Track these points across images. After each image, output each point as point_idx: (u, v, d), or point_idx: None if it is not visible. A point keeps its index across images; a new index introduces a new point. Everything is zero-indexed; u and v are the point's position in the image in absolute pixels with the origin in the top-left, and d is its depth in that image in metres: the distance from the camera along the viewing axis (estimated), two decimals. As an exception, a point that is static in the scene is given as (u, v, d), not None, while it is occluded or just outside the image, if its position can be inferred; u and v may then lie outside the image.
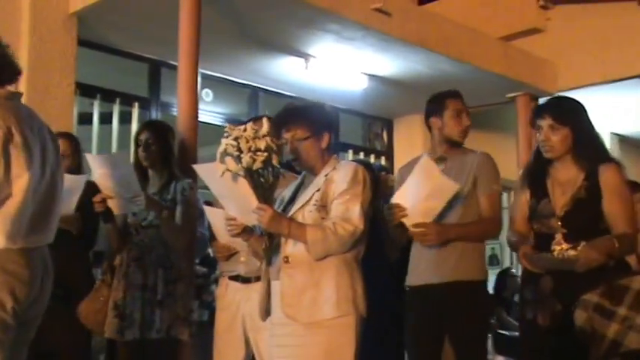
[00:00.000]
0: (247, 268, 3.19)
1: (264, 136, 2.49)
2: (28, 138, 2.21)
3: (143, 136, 3.46)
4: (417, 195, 2.90)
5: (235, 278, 3.23)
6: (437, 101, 3.17)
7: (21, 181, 2.19)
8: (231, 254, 3.24)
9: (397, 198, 2.96)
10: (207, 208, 3.17)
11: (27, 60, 4.43)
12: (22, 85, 4.38)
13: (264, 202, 2.51)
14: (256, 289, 3.11)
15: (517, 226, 2.93)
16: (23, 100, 4.25)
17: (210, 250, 3.82)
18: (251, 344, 3.18)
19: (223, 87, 5.94)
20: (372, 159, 7.02)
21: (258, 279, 3.12)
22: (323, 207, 2.60)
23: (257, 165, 2.46)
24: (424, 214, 2.90)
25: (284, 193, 2.78)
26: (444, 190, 2.88)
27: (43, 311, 2.40)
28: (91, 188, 3.46)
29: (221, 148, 2.53)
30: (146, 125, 3.63)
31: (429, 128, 3.20)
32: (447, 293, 2.99)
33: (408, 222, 2.90)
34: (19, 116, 2.22)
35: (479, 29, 6.15)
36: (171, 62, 5.07)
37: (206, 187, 2.80)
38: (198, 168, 2.81)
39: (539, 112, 2.87)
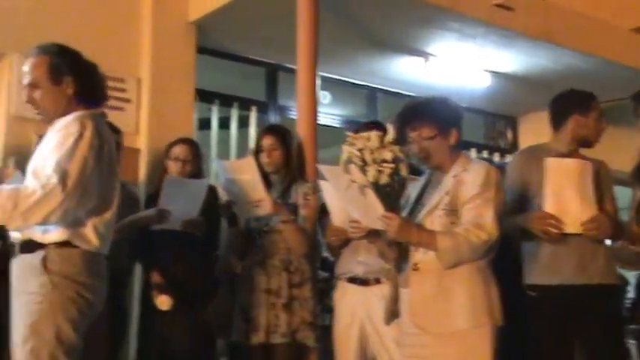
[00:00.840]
0: (366, 268, 3.09)
1: (389, 144, 2.39)
2: (112, 151, 2.44)
3: (266, 142, 3.43)
4: (567, 196, 2.76)
5: (353, 280, 3.15)
6: (583, 100, 3.05)
7: (115, 189, 2.42)
8: (344, 243, 3.14)
9: (549, 208, 2.79)
10: (323, 184, 2.97)
11: (149, 69, 4.57)
12: (144, 93, 4.52)
13: (390, 210, 2.40)
14: (375, 292, 3.05)
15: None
16: (146, 107, 4.48)
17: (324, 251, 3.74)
18: (370, 348, 3.08)
19: (341, 89, 5.90)
20: (497, 157, 6.79)
21: (377, 281, 3.06)
22: (453, 211, 2.48)
23: (383, 179, 2.38)
24: (582, 211, 2.76)
25: (409, 191, 2.67)
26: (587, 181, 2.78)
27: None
28: (213, 192, 3.49)
29: (344, 157, 2.47)
30: (268, 130, 3.60)
31: (558, 123, 3.04)
32: (589, 295, 2.82)
33: (570, 228, 2.76)
34: (108, 133, 2.47)
35: (609, 21, 5.80)
36: (289, 66, 5.07)
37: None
38: (323, 169, 2.75)
39: None
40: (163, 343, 3.45)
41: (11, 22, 3.94)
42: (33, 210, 2.21)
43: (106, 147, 2.36)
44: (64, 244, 2.30)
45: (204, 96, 5.10)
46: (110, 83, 4.36)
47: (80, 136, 2.29)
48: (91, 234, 2.33)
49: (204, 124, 5.27)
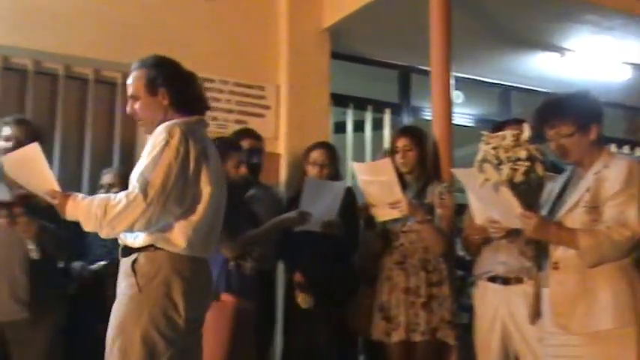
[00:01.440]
0: (507, 268, 3.08)
1: (524, 143, 2.38)
2: (210, 158, 2.43)
3: (400, 143, 3.49)
4: None
5: (494, 279, 3.14)
6: None
7: (205, 193, 2.38)
8: (483, 242, 3.14)
9: None
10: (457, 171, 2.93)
11: (286, 76, 4.74)
12: (282, 100, 4.70)
13: (528, 209, 2.39)
14: (516, 291, 3.04)
15: None
16: (284, 113, 4.66)
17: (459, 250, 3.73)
18: (512, 347, 3.07)
19: (473, 88, 5.84)
20: (638, 153, 6.46)
21: (518, 280, 3.05)
22: (594, 208, 2.42)
23: (518, 177, 2.37)
24: None
25: (550, 188, 2.62)
26: None
27: (202, 321, 2.50)
28: (351, 194, 3.59)
29: (479, 156, 2.48)
30: (403, 131, 3.66)
31: None
32: None
33: None
34: (205, 139, 2.48)
35: None
36: (421, 67, 5.10)
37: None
38: (458, 172, 2.77)
39: None
40: (306, 340, 3.58)
41: (159, 39, 4.22)
42: (118, 219, 2.26)
43: (193, 153, 2.35)
44: (150, 247, 2.34)
45: (339, 100, 5.22)
46: (251, 91, 4.66)
47: (166, 144, 2.31)
48: (177, 237, 2.33)
49: (340, 128, 5.39)
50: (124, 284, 2.35)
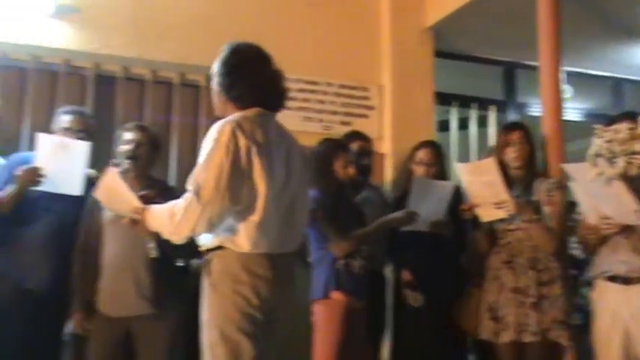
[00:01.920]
0: (628, 267, 2.96)
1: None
2: (273, 152, 2.37)
3: (515, 136, 3.44)
4: None
5: (613, 279, 3.02)
6: None
7: (261, 189, 2.33)
8: (601, 241, 3.05)
9: None
10: (573, 184, 2.87)
11: (390, 76, 4.76)
12: (386, 100, 4.73)
13: (644, 204, 2.32)
14: (637, 292, 2.92)
15: None
16: (388, 113, 4.68)
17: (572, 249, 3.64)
18: (633, 349, 2.96)
19: (583, 81, 5.66)
20: None
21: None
22: None
23: (633, 171, 2.30)
24: None
25: None
26: None
27: (287, 317, 2.48)
28: (458, 193, 3.57)
29: (592, 150, 2.42)
30: (516, 125, 3.61)
31: None
32: None
33: None
34: (267, 132, 2.39)
35: None
36: (527, 62, 5.00)
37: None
38: (568, 167, 2.72)
39: None
40: (416, 339, 3.59)
41: (265, 45, 4.33)
42: (181, 224, 2.28)
43: (243, 149, 2.30)
44: (220, 248, 2.36)
45: (443, 98, 5.19)
46: (356, 92, 4.71)
47: (216, 142, 2.29)
48: (241, 239, 2.33)
49: (444, 126, 5.37)
50: (204, 284, 2.41)
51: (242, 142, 2.30)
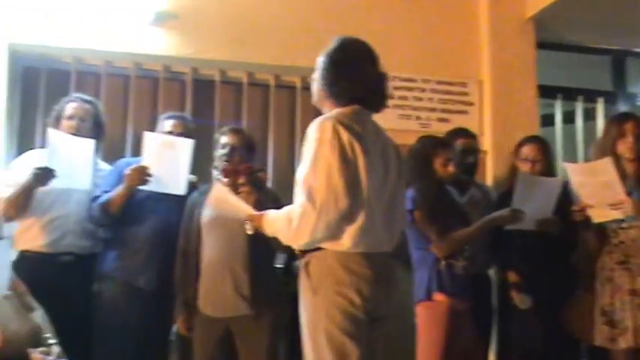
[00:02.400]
0: None
1: None
2: (371, 150, 2.30)
3: (630, 127, 3.21)
4: None
5: None
6: None
7: (364, 187, 2.27)
8: None
9: None
10: None
11: (489, 70, 4.61)
12: (486, 95, 4.58)
13: None
14: None
15: None
16: (489, 108, 4.53)
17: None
18: None
19: None
20: None
21: None
22: None
23: None
24: None
25: None
26: None
27: (390, 317, 2.42)
28: (566, 190, 3.40)
29: None
30: (631, 115, 3.37)
31: None
32: None
33: None
34: (365, 129, 2.33)
35: None
36: (638, 50, 4.73)
37: None
38: None
39: None
40: (523, 341, 3.46)
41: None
42: (299, 231, 2.24)
43: (348, 145, 2.25)
44: (319, 248, 2.31)
45: (547, 91, 4.97)
46: (453, 88, 4.59)
47: (319, 142, 2.24)
48: (342, 235, 2.28)
49: (548, 121, 5.15)
50: (303, 286, 2.36)
51: (345, 137, 2.26)
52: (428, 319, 3.14)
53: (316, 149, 2.24)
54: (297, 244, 2.33)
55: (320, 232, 2.25)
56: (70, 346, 2.95)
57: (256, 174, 3.16)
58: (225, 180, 3.09)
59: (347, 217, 2.27)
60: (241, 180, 3.05)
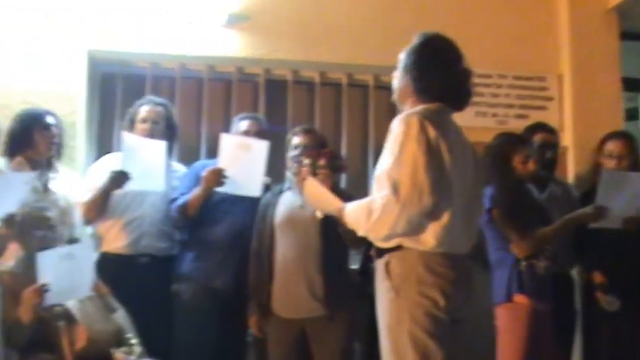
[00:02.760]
0: None
1: None
2: (454, 148, 2.27)
3: None
4: None
5: None
6: None
7: (450, 188, 2.24)
8: None
9: None
10: None
11: (569, 63, 4.45)
12: (566, 89, 4.43)
13: None
14: None
15: None
16: (569, 103, 4.37)
17: None
18: None
19: None
20: None
21: None
22: None
23: None
24: None
25: None
26: None
27: (471, 319, 2.37)
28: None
29: None
30: None
31: None
32: None
33: None
34: (448, 128, 2.31)
35: None
36: None
37: None
38: None
39: None
40: (612, 348, 3.32)
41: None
42: (378, 224, 2.22)
43: (435, 141, 2.22)
44: (400, 247, 2.28)
45: (631, 84, 4.77)
46: (531, 83, 4.46)
47: (406, 136, 2.21)
48: (425, 235, 2.25)
49: (632, 114, 4.95)
50: (382, 287, 2.33)
51: (432, 133, 2.23)
52: (509, 322, 3.05)
53: (402, 144, 2.22)
54: (375, 237, 2.31)
55: (400, 227, 2.22)
56: (150, 346, 3.00)
57: (338, 160, 3.13)
58: (306, 160, 3.07)
59: (430, 215, 2.23)
60: (322, 162, 3.02)
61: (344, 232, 2.78)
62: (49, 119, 3.37)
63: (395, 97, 2.47)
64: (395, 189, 2.19)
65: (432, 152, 2.22)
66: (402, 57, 2.42)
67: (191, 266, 3.32)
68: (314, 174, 2.94)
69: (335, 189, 2.85)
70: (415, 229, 2.24)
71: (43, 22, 3.97)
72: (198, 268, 3.31)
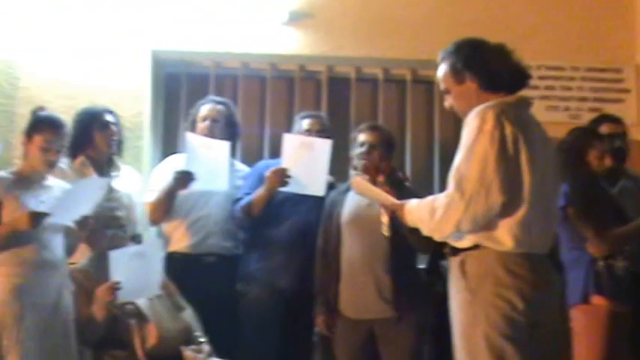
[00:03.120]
0: None
1: None
2: (534, 143, 2.19)
3: None
4: None
5: None
6: None
7: (527, 183, 2.16)
8: None
9: None
10: None
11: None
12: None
13: None
14: None
15: None
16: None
17: None
18: None
19: None
20: None
21: None
22: None
23: None
24: None
25: None
26: None
27: (549, 322, 2.30)
28: None
29: None
30: None
31: None
32: None
33: None
34: (528, 121, 2.25)
35: None
36: None
37: None
38: None
39: None
40: None
41: (502, 32, 4.05)
42: (443, 221, 2.19)
43: (510, 137, 2.14)
44: (476, 247, 2.22)
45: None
46: (606, 75, 4.30)
47: (479, 131, 2.15)
48: (503, 235, 2.18)
49: None
50: (456, 286, 2.28)
51: (508, 129, 2.15)
52: (586, 324, 2.97)
53: (474, 138, 2.16)
54: (439, 236, 2.27)
55: (465, 225, 2.18)
56: (216, 345, 3.02)
57: (397, 174, 3.07)
58: (366, 177, 3.03)
59: (499, 214, 2.17)
60: (381, 179, 2.98)
61: (408, 233, 2.75)
62: (108, 117, 3.41)
63: (453, 103, 2.39)
64: (460, 185, 2.15)
65: (505, 150, 2.14)
66: (446, 65, 2.37)
67: (256, 266, 3.32)
68: None
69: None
70: (483, 227, 2.19)
71: (107, 23, 4.03)
72: (263, 268, 3.30)
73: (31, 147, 2.87)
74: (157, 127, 4.14)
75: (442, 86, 2.41)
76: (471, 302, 2.21)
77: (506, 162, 2.14)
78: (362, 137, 3.23)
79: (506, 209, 2.16)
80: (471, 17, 4.15)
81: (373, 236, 2.99)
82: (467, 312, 2.22)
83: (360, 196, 2.75)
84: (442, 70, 2.39)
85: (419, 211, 2.31)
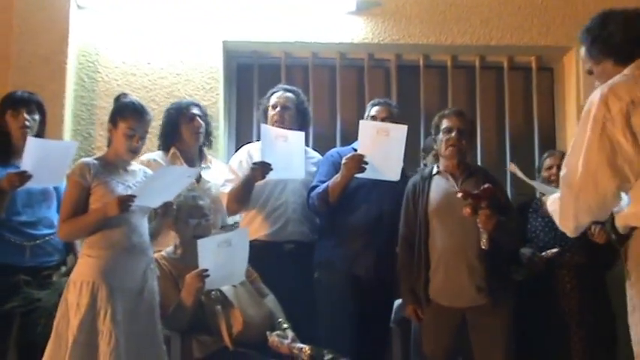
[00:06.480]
0: None
1: None
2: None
3: None
4: None
5: None
6: None
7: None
8: None
9: None
10: None
11: None
12: None
13: None
14: None
15: None
16: None
17: None
18: None
19: None
20: None
21: None
22: None
23: None
24: None
25: None
26: None
27: None
28: None
29: None
30: None
31: None
32: None
33: None
34: None
35: None
36: None
37: None
38: None
39: None
40: None
41: (577, 14, 4.08)
42: (562, 219, 2.12)
43: (619, 116, 1.98)
44: (635, 228, 2.07)
45: None
46: None
47: (587, 117, 2.03)
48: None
49: None
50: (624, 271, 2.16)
51: (615, 107, 2.00)
52: None
53: (581, 126, 2.06)
54: (570, 233, 2.17)
55: (583, 217, 2.08)
56: (297, 331, 3.05)
57: (498, 197, 3.00)
58: (466, 203, 2.89)
59: (619, 198, 2.06)
60: (483, 204, 2.87)
61: (498, 236, 2.75)
62: (194, 110, 3.48)
63: (598, 83, 2.23)
64: (567, 179, 2.07)
65: (610, 132, 1.99)
66: (583, 42, 2.25)
67: (332, 253, 3.32)
68: (475, 215, 2.85)
69: (501, 225, 2.83)
70: (601, 215, 2.10)
71: (181, 16, 4.09)
72: (340, 255, 3.30)
73: (115, 134, 2.89)
74: (230, 117, 4.20)
75: (588, 66, 2.29)
76: (629, 287, 2.12)
77: (611, 146, 2.00)
78: (447, 123, 3.17)
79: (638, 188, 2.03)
80: (548, 3, 4.10)
81: (464, 225, 2.96)
82: (629, 297, 2.12)
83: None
84: (582, 53, 2.30)
85: (553, 205, 2.25)
